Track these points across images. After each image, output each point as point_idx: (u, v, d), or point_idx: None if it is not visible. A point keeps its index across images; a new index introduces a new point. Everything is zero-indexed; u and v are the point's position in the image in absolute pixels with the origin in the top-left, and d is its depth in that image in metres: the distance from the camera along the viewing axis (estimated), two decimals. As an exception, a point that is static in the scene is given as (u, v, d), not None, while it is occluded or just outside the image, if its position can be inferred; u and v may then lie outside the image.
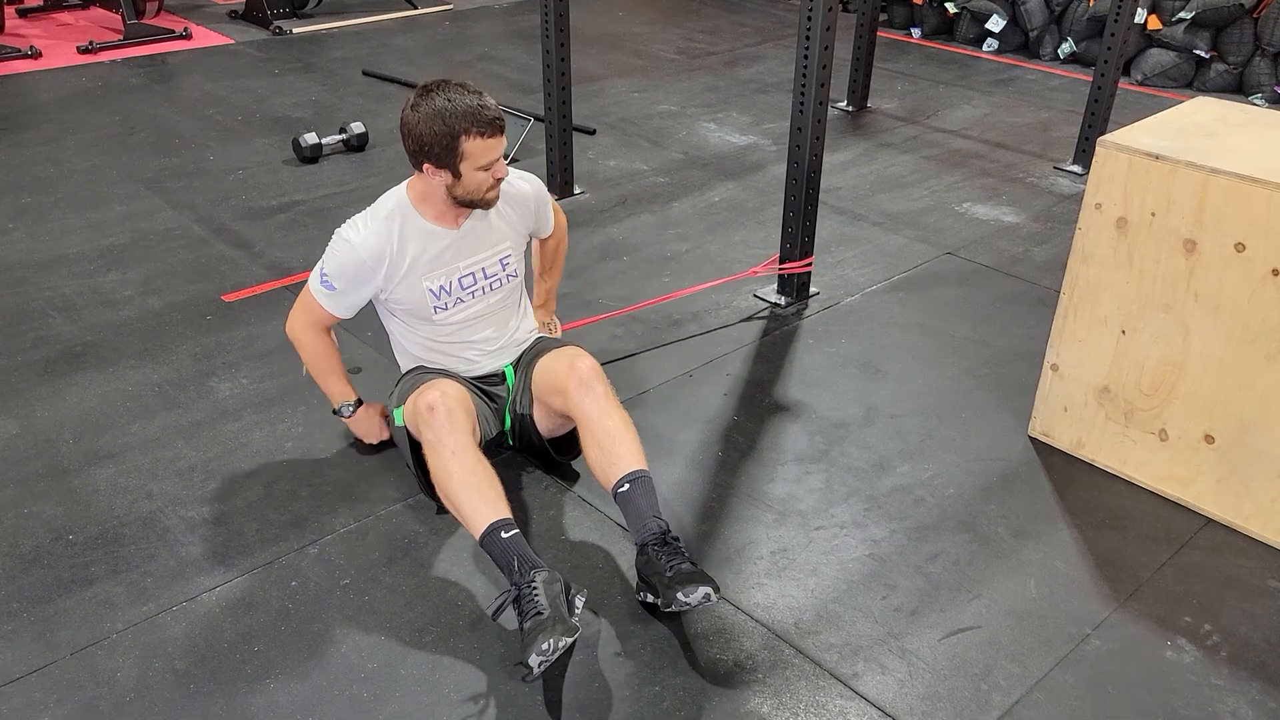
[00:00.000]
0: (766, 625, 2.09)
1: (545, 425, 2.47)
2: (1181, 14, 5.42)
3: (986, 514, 2.40)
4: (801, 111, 3.06)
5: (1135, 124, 2.43)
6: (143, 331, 3.09)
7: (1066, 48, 5.91)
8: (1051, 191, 4.19)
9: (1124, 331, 2.41)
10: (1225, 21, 5.32)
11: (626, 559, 2.26)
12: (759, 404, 2.81)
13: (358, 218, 2.37)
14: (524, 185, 2.52)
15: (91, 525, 2.32)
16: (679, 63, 5.95)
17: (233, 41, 6.21)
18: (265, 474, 2.51)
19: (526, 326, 2.59)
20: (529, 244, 2.63)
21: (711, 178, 4.30)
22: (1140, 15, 5.54)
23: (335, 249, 2.35)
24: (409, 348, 2.50)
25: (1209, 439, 2.34)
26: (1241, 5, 5.22)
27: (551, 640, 1.85)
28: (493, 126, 2.19)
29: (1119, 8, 4.03)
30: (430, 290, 2.36)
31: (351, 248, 2.32)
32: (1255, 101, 5.26)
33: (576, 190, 4.10)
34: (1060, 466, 2.57)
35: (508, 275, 2.48)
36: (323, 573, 2.21)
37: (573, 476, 2.52)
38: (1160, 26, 5.52)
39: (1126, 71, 5.68)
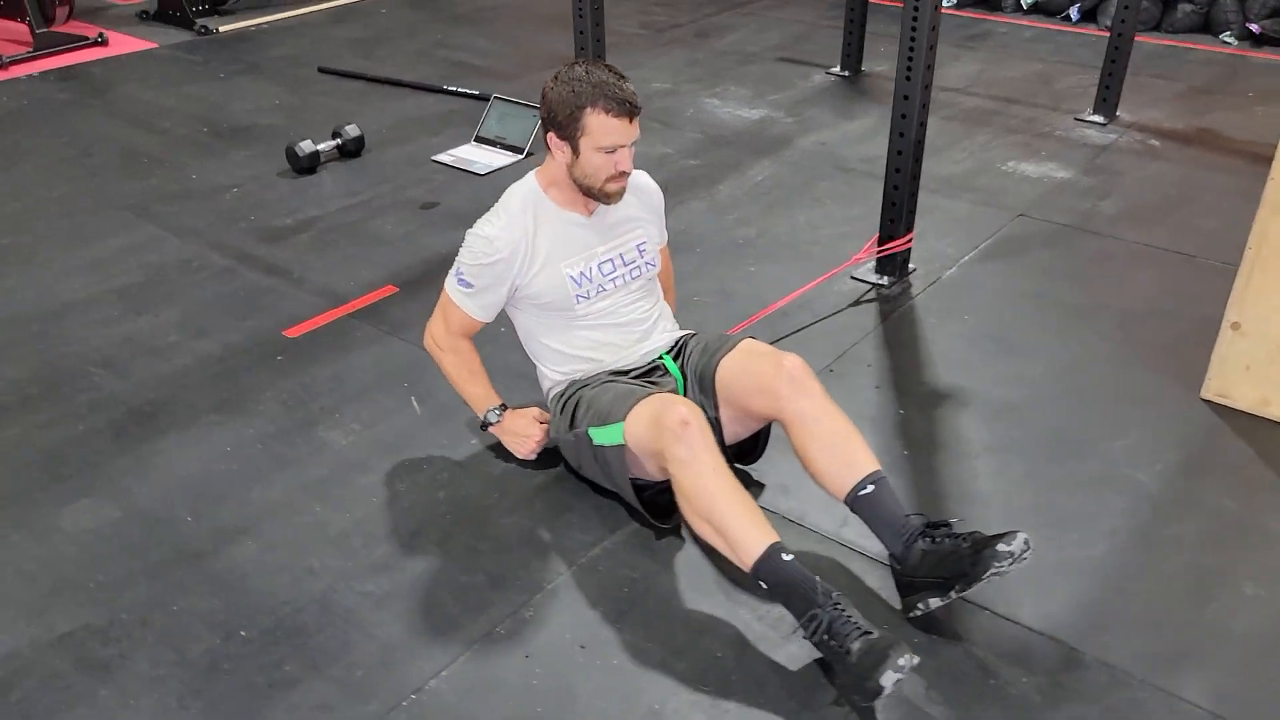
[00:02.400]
0: (1057, 637, 1.94)
1: (733, 430, 2.27)
2: (1147, -42, 5.49)
3: (1203, 487, 2.31)
4: (909, 79, 2.90)
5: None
6: (211, 381, 2.72)
7: (1029, -1, 5.94)
8: (1085, 144, 4.16)
9: (1320, 283, 2.35)
10: (1189, -37, 5.41)
11: (872, 579, 2.07)
12: (917, 393, 2.65)
13: (489, 214, 2.29)
14: (652, 182, 2.46)
15: (261, 615, 2.00)
16: (647, 37, 5.72)
17: (156, 45, 5.65)
18: (431, 530, 2.21)
19: (669, 316, 2.45)
20: None
21: (743, 156, 4.11)
22: (1103, -38, 5.58)
23: (470, 246, 2.26)
24: (551, 349, 2.33)
25: None
26: (1205, -54, 5.31)
27: (906, 658, 1.69)
28: (621, 106, 2.12)
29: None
30: (571, 278, 2.26)
31: (487, 241, 2.23)
32: (1226, 40, 5.37)
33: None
34: (1251, 428, 2.49)
35: (646, 263, 2.36)
36: (552, 638, 1.95)
37: (754, 486, 2.32)
38: (1124, -28, 5.57)
39: (1094, 18, 5.74)
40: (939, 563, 1.91)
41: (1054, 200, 3.68)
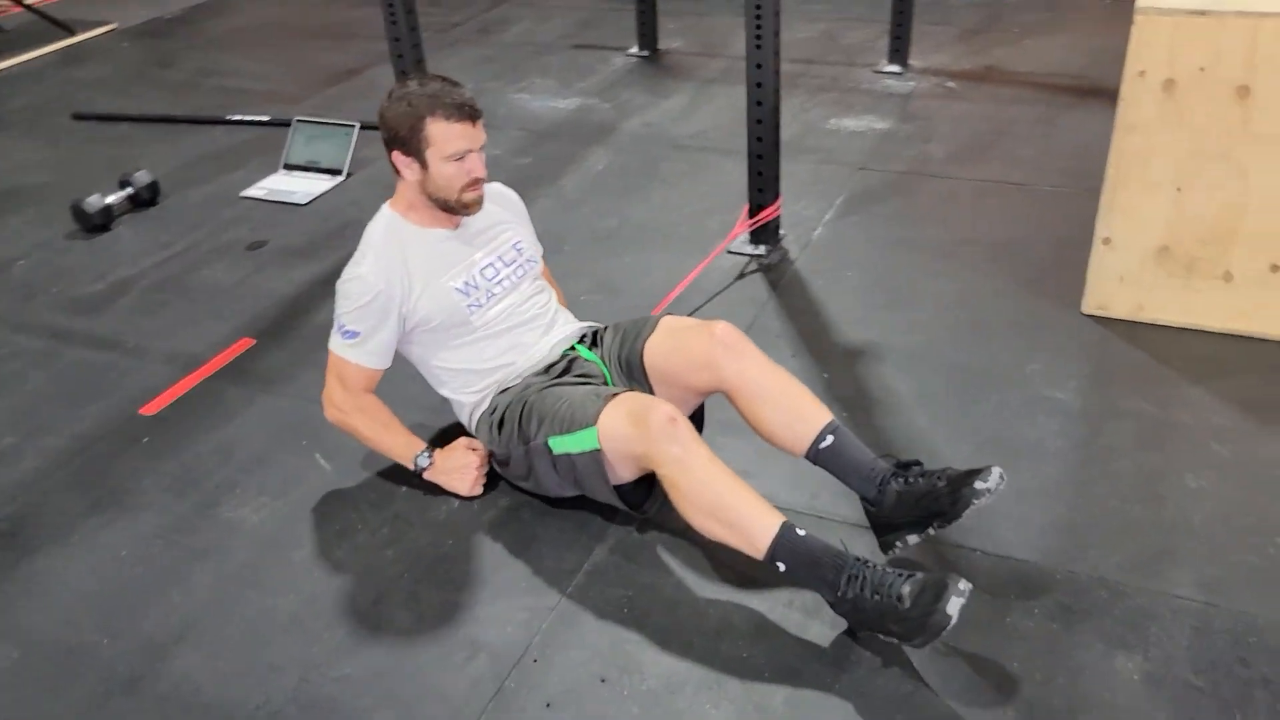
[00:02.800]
0: (1048, 564, 1.99)
1: None
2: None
3: (1116, 394, 2.44)
4: (759, 47, 2.90)
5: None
6: (72, 481, 2.37)
7: (791, -37, 6.12)
8: (891, 94, 4.33)
9: (1179, 189, 2.52)
10: (931, -85, 5.74)
11: (860, 546, 2.05)
12: (832, 355, 2.66)
13: (354, 258, 2.19)
14: (508, 189, 2.45)
15: (236, 731, 1.75)
16: (429, 39, 5.39)
17: None
18: (394, 594, 2.01)
19: (566, 311, 2.41)
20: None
21: (574, 147, 4.01)
22: (856, -79, 5.83)
23: (345, 294, 2.16)
24: (461, 373, 2.24)
25: (1275, 268, 2.52)
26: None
27: (963, 583, 1.70)
28: (461, 110, 2.09)
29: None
30: (456, 290, 2.19)
31: (360, 281, 2.13)
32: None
33: (451, 190, 3.65)
34: (1132, 333, 2.66)
35: (528, 260, 2.33)
36: (567, 679, 1.81)
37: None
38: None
39: (854, -24, 6.00)
40: (915, 503, 1.93)
41: (885, 150, 3.81)
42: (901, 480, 1.96)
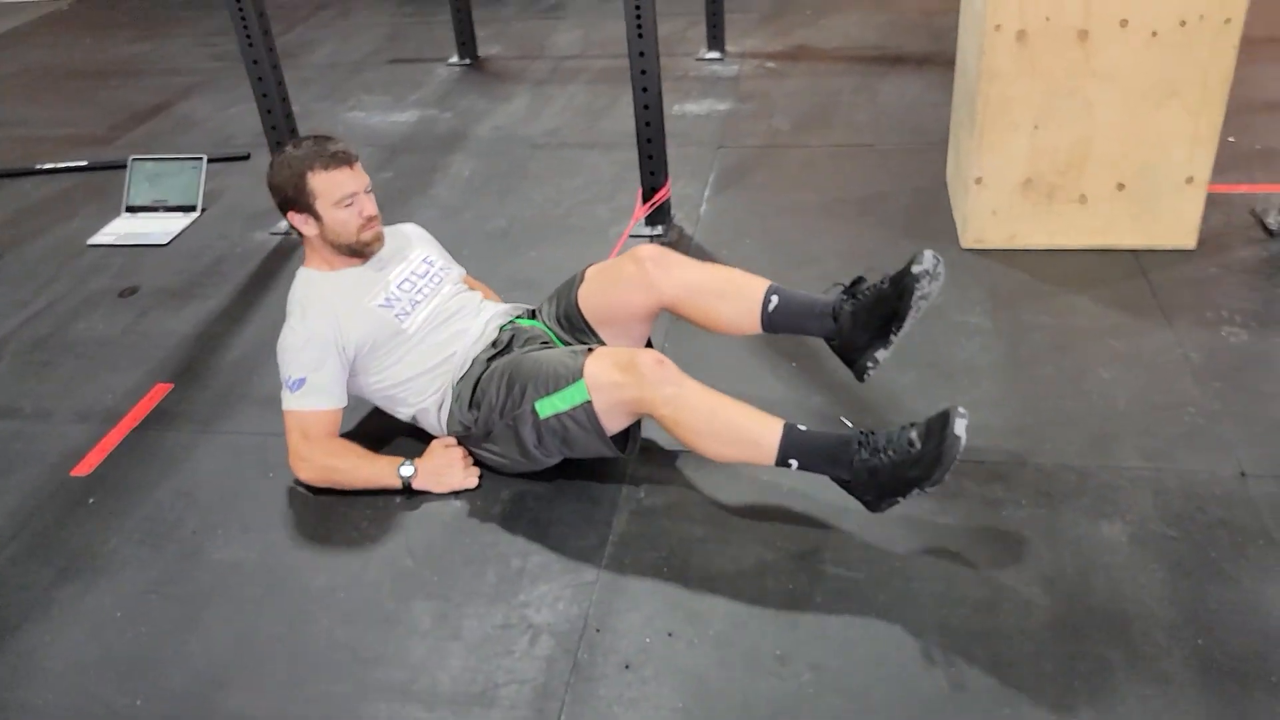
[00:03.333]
0: (1020, 460, 2.23)
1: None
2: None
3: (1018, 313, 2.74)
4: (640, 36, 3.03)
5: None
6: (25, 556, 2.18)
7: (581, -34, 6.28)
8: (720, 78, 4.56)
9: (1036, 127, 2.85)
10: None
11: (850, 523, 2.22)
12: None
13: (286, 322, 2.28)
14: (409, 225, 2.58)
15: (326, 758, 1.69)
16: (230, 69, 5.25)
17: None
18: (430, 599, 1.99)
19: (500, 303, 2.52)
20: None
21: (432, 157, 3.99)
22: (639, -79, 6.06)
23: (283, 348, 2.25)
24: (414, 380, 2.29)
25: (1120, 186, 2.90)
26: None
27: (961, 409, 1.88)
28: (336, 158, 2.24)
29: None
30: (379, 305, 2.29)
31: (293, 332, 2.24)
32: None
33: (323, 212, 3.56)
34: (1011, 259, 2.98)
35: (440, 270, 2.45)
36: (635, 639, 1.87)
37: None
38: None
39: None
40: (869, 313, 2.10)
41: (735, 129, 4.03)
42: (850, 299, 2.13)
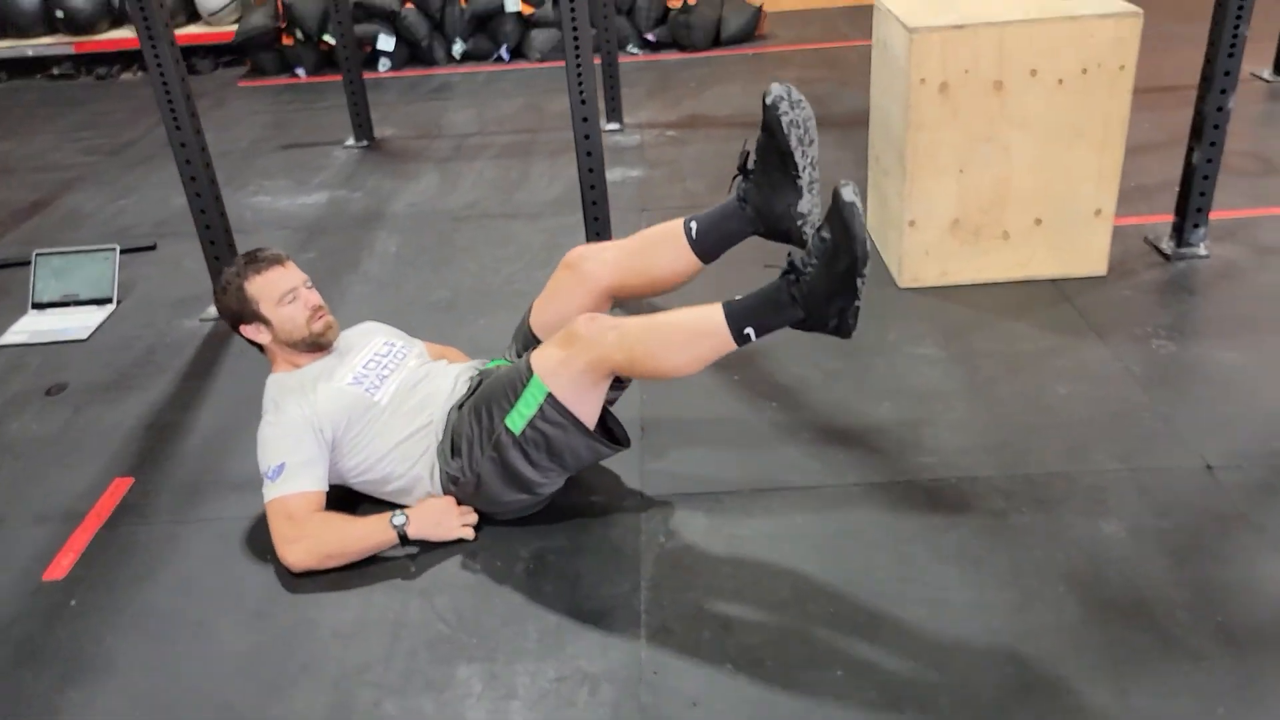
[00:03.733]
0: (1008, 474, 2.36)
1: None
2: (548, -5, 6.24)
3: (968, 343, 2.91)
4: (583, 103, 3.11)
5: (896, 6, 3.02)
6: (18, 665, 2.00)
7: (458, 47, 6.37)
8: (625, 146, 4.69)
9: (961, 170, 3.07)
10: (580, -6, 6.26)
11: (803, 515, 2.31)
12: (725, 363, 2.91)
13: (264, 420, 2.28)
14: (365, 322, 2.64)
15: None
16: (109, 161, 5.05)
17: None
18: (476, 663, 1.94)
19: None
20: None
21: (354, 235, 3.94)
22: (514, 4, 6.22)
23: (261, 440, 2.24)
24: (395, 450, 2.27)
25: (1038, 221, 3.14)
26: (591, -23, 6.20)
27: (840, 180, 1.95)
28: (265, 262, 2.35)
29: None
30: (349, 384, 2.30)
31: (269, 424, 2.25)
32: (632, 50, 6.33)
33: (253, 295, 3.45)
34: (947, 294, 3.17)
35: (402, 348, 2.48)
36: (702, 678, 1.87)
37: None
38: (533, 10, 6.28)
39: (523, 54, 6.36)
40: (765, 174, 2.21)
41: (653, 193, 4.15)
42: (744, 177, 2.22)
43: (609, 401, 2.25)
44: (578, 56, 3.05)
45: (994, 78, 2.95)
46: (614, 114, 4.94)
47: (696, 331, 2.04)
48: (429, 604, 2.09)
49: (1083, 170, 3.06)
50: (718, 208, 2.28)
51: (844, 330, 2.03)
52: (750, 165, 2.22)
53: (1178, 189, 3.29)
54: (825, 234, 1.96)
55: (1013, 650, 1.88)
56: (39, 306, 3.47)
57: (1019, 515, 2.22)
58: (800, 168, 2.16)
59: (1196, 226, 3.29)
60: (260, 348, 2.40)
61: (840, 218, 1.92)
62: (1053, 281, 3.20)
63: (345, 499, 2.33)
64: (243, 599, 2.14)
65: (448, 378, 2.39)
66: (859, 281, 1.95)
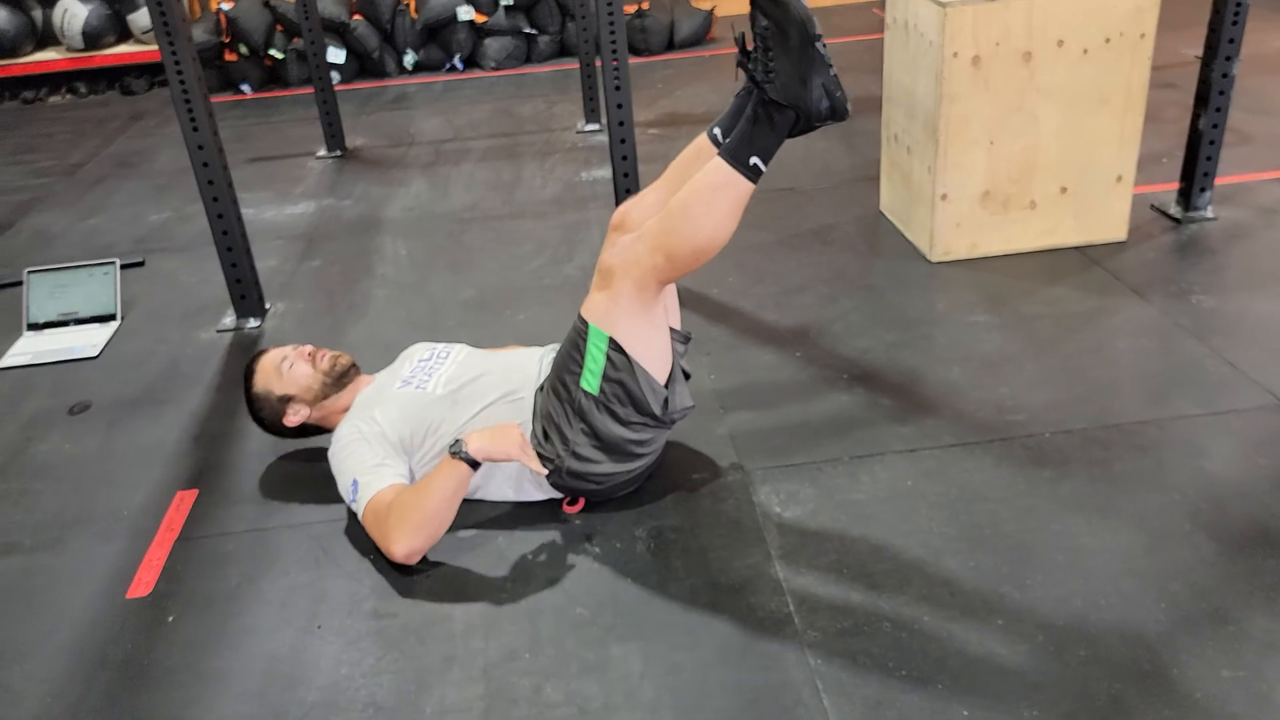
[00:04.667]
0: (1092, 426, 2.40)
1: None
2: (502, 2, 6.17)
3: (1010, 311, 2.96)
4: (620, 106, 3.07)
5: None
6: (128, 689, 1.85)
7: (410, 58, 6.25)
8: (599, 147, 4.65)
9: (992, 142, 3.13)
10: (533, 0, 6.22)
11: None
12: (788, 336, 2.90)
13: (359, 427, 2.23)
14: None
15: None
16: (60, 182, 4.79)
17: None
18: (641, 698, 1.87)
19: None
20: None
21: (359, 242, 3.80)
22: (467, 14, 6.14)
23: (335, 467, 2.21)
24: (448, 442, 2.18)
25: (1064, 190, 3.22)
26: (544, -17, 6.17)
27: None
28: (252, 360, 2.40)
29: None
30: (398, 388, 2.29)
31: (332, 455, 2.24)
32: (590, 56, 6.31)
33: (268, 306, 3.31)
34: (979, 265, 3.22)
35: (445, 348, 2.43)
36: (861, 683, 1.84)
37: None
38: (485, 19, 6.21)
39: (477, 63, 6.28)
40: (783, 49, 1.94)
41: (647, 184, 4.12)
42: (757, 66, 1.96)
43: (679, 355, 2.23)
44: (616, 64, 3.01)
45: (1024, 49, 3.02)
46: (593, 115, 4.92)
47: (709, 190, 1.99)
48: (559, 590, 2.01)
49: (1106, 136, 3.15)
50: (733, 104, 2.14)
51: (839, 108, 1.94)
52: (751, 48, 2.00)
53: (1182, 155, 3.41)
54: (763, 22, 1.90)
55: (1162, 587, 1.90)
56: (35, 327, 3.26)
57: (1122, 463, 2.26)
58: (816, 30, 1.91)
59: (1203, 191, 3.41)
60: (320, 428, 2.38)
61: (785, 9, 1.86)
62: (1077, 249, 3.28)
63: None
64: (357, 601, 2.03)
65: (531, 360, 2.33)
66: (819, 45, 1.89)
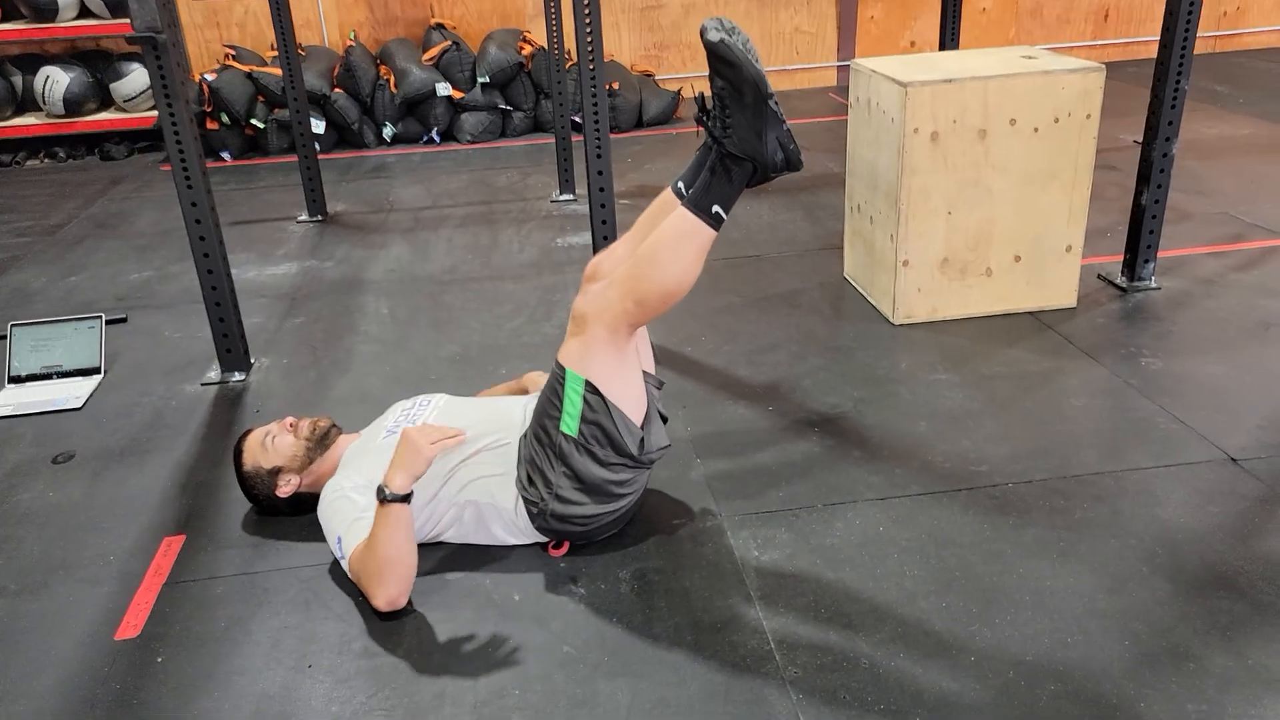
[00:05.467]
0: (1053, 476, 2.52)
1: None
2: (479, 79, 6.37)
3: (973, 370, 3.10)
4: (600, 174, 3.22)
5: (881, 66, 3.27)
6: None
7: (389, 131, 6.41)
8: (583, 214, 4.80)
9: (950, 212, 3.31)
10: (509, 78, 6.43)
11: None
12: (751, 391, 3.01)
13: (341, 484, 2.29)
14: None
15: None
16: (39, 241, 4.83)
17: None
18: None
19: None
20: None
21: (342, 301, 3.88)
22: (445, 90, 6.32)
23: (323, 525, 2.26)
24: (434, 484, 2.27)
25: (1017, 258, 3.40)
26: (520, 64, 6.38)
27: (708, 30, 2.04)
28: (238, 442, 2.48)
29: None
30: (383, 438, 2.35)
31: (320, 514, 2.29)
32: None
33: (254, 361, 3.37)
34: (938, 329, 3.37)
35: (427, 398, 2.50)
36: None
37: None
38: (463, 95, 6.39)
39: (453, 137, 6.45)
40: (738, 109, 2.07)
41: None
42: (706, 115, 2.11)
43: (654, 398, 2.32)
44: (597, 133, 3.16)
45: (979, 126, 3.21)
46: (567, 185, 5.07)
47: (675, 238, 2.10)
48: (545, 629, 2.07)
49: (1056, 209, 3.35)
50: (695, 159, 2.22)
51: (792, 159, 2.09)
52: (710, 107, 2.13)
53: (1126, 230, 3.62)
54: (719, 83, 2.05)
55: (1124, 626, 2.01)
56: (17, 380, 3.28)
57: (1082, 511, 2.37)
58: (772, 91, 2.07)
59: (1147, 262, 3.61)
60: (313, 496, 2.39)
61: (719, 59, 2.01)
62: (1031, 314, 3.45)
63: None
64: (347, 642, 2.07)
65: (515, 408, 2.40)
66: (771, 103, 2.03)
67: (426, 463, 2.14)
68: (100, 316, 3.41)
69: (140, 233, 4.91)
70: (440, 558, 2.30)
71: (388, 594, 2.08)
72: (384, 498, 2.09)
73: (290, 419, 2.46)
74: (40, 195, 5.70)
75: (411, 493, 2.11)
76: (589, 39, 3.17)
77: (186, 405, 3.11)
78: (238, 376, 3.25)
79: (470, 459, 2.29)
